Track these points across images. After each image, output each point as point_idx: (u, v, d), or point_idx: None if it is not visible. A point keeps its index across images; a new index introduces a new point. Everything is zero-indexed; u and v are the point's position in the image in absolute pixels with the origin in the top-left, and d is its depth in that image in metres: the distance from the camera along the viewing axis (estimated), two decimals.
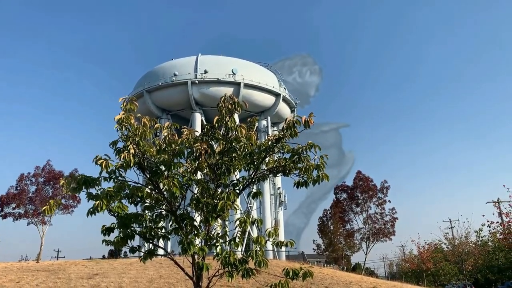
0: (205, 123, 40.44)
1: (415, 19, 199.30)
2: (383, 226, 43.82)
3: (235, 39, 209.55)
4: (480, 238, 43.71)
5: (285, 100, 48.97)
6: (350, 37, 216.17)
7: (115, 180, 6.82)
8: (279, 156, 7.75)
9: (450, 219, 53.31)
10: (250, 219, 7.17)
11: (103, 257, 47.41)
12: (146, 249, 7.71)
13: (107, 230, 7.05)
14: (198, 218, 7.51)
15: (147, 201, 7.37)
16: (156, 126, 7.21)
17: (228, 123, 7.01)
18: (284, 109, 49.19)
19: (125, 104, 6.79)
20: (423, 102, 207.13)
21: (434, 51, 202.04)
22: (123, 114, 6.57)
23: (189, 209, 7.55)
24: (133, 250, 7.41)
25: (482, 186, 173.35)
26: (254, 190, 7.94)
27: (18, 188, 34.30)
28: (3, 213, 33.91)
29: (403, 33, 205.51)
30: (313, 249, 52.59)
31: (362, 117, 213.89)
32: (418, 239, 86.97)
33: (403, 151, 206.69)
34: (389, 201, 44.90)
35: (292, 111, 50.94)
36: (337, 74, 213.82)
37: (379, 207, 44.51)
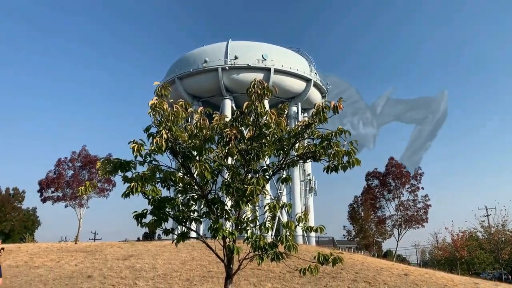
0: (235, 109, 40.61)
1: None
2: (415, 213, 43.18)
3: (265, 23, 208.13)
4: None
5: (316, 85, 48.43)
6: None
7: (149, 164, 7.02)
8: (308, 142, 7.75)
9: (486, 207, 51.93)
10: (280, 204, 7.24)
11: (138, 240, 48.76)
12: (179, 232, 7.93)
13: (139, 216, 7.26)
14: (229, 202, 7.65)
15: (179, 185, 7.54)
16: (189, 110, 7.33)
17: (258, 108, 7.06)
18: (315, 95, 48.70)
19: (159, 89, 6.94)
20: (459, 85, 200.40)
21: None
22: (157, 99, 6.72)
23: (220, 193, 7.69)
24: (167, 232, 7.65)
25: None
26: (284, 176, 8.01)
27: (56, 173, 35.65)
28: (43, 197, 35.43)
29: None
30: (343, 235, 52.41)
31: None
32: (452, 226, 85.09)
33: (439, 139, 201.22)
34: (422, 188, 44.13)
35: (323, 97, 50.35)
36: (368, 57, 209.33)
37: (412, 194, 43.82)
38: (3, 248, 12.38)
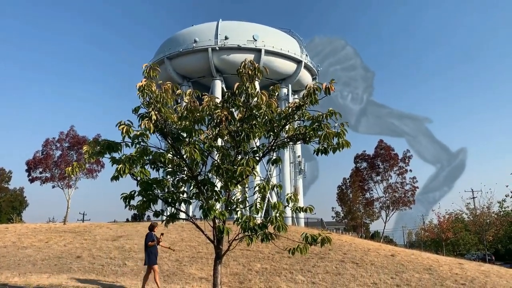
0: (225, 90, 40.37)
1: None
2: (403, 195, 43.73)
3: (257, 3, 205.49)
4: (503, 209, 43.31)
5: (306, 67, 48.21)
6: None
7: (137, 145, 6.94)
8: (299, 124, 7.73)
9: (472, 190, 52.80)
10: (270, 185, 7.25)
11: (127, 221, 48.84)
12: (168, 213, 7.91)
13: (127, 198, 7.20)
14: (218, 184, 7.63)
15: (168, 167, 7.49)
16: (178, 92, 7.24)
17: (249, 89, 6.99)
18: (305, 77, 48.52)
19: (147, 70, 6.82)
20: (454, 67, 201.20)
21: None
22: (145, 81, 6.62)
23: (209, 175, 7.67)
24: (156, 214, 7.63)
25: (507, 157, 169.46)
26: (274, 157, 8.00)
27: (44, 153, 35.23)
28: (31, 177, 35.08)
29: None
30: (332, 216, 53.01)
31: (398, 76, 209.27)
32: (438, 208, 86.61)
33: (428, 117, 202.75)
34: (410, 170, 44.63)
35: (313, 79, 50.19)
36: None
37: (400, 176, 44.29)
38: (162, 234, 12.38)
